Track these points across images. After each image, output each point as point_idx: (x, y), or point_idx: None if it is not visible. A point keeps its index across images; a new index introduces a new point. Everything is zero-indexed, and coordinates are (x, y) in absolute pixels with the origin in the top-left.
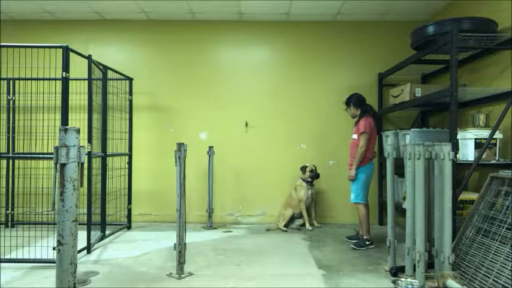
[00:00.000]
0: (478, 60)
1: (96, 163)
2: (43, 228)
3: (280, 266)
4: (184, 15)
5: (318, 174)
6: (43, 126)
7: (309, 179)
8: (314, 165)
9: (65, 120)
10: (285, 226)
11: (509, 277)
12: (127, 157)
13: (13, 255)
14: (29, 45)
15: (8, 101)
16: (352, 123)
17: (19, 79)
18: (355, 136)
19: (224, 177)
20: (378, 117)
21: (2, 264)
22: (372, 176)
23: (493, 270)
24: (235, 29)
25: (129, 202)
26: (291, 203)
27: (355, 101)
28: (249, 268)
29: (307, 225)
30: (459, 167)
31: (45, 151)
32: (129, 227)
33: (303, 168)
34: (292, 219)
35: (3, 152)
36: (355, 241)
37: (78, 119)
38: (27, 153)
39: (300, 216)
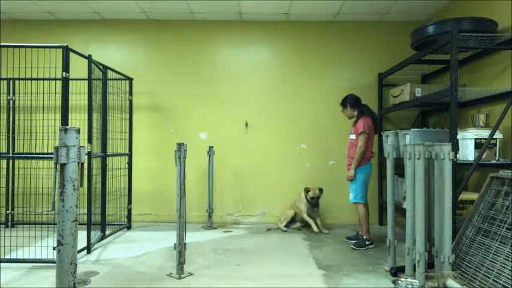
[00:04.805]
0: (478, 60)
1: (96, 163)
2: (43, 228)
3: (280, 266)
4: (184, 15)
5: (318, 203)
6: (43, 126)
7: (311, 204)
8: (320, 189)
9: (65, 120)
10: (285, 226)
11: (509, 277)
12: (127, 157)
13: (13, 255)
14: (29, 45)
15: (8, 101)
16: (351, 123)
17: (19, 79)
18: (353, 136)
19: (224, 177)
20: (376, 117)
21: (2, 264)
22: (370, 175)
23: (493, 270)
24: (235, 29)
25: (129, 202)
26: (295, 206)
27: (351, 101)
28: (249, 268)
29: (315, 229)
30: (459, 167)
31: (45, 151)
32: (129, 227)
33: (306, 191)
34: (293, 219)
35: (3, 152)
36: (355, 241)
37: (78, 119)
38: (27, 153)
39: (302, 220)
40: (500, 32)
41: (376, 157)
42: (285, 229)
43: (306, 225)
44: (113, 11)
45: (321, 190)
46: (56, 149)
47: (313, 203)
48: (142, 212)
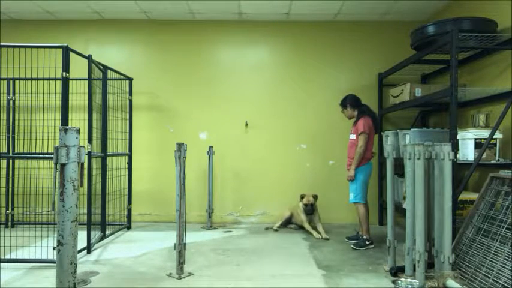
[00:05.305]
0: (478, 60)
1: (96, 163)
2: (43, 228)
3: (280, 266)
4: (184, 15)
5: (312, 209)
6: (43, 126)
7: (306, 212)
8: (314, 197)
9: (65, 120)
10: (282, 226)
11: (509, 277)
12: (127, 157)
13: (13, 255)
14: (29, 45)
15: (8, 101)
16: (351, 123)
17: (19, 79)
18: (353, 136)
19: (224, 177)
20: (376, 117)
21: (2, 264)
22: (370, 175)
23: (493, 270)
24: (235, 29)
25: (129, 202)
26: (296, 212)
27: (351, 101)
28: (249, 268)
29: (316, 236)
30: (459, 167)
31: (45, 151)
32: (129, 227)
33: (301, 198)
34: (289, 221)
35: (3, 152)
36: (355, 241)
37: (78, 119)
38: (27, 153)
39: (298, 225)
40: (500, 32)
41: (376, 157)
42: (277, 229)
43: (302, 227)
44: (112, 11)
45: (315, 197)
46: (56, 149)
47: (308, 210)
48: (143, 212)
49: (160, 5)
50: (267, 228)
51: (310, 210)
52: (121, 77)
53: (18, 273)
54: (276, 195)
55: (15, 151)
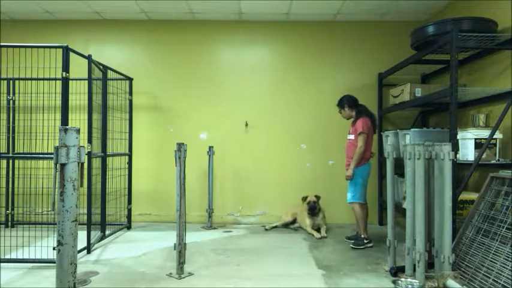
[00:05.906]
0: (478, 60)
1: (96, 163)
2: (43, 228)
3: (280, 266)
4: (184, 15)
5: (316, 207)
6: (43, 126)
7: (309, 210)
8: (317, 196)
9: (65, 120)
10: (283, 226)
11: (509, 277)
12: (127, 157)
13: (13, 255)
14: (29, 45)
15: (8, 101)
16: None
17: (19, 79)
18: (351, 136)
19: (224, 177)
20: (374, 117)
21: (2, 264)
22: (369, 175)
23: (493, 270)
24: (235, 29)
25: (129, 202)
26: (299, 217)
27: (349, 102)
28: (249, 268)
29: (316, 235)
30: (459, 167)
31: (45, 151)
32: (129, 227)
33: (304, 199)
34: (288, 225)
35: (3, 152)
36: (354, 241)
37: (78, 119)
38: (27, 153)
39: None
40: (500, 32)
41: (376, 157)
42: (267, 228)
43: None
44: (112, 11)
45: (317, 197)
46: (56, 149)
47: (311, 207)
48: (143, 212)
49: (160, 5)
50: (266, 229)
51: (314, 207)
52: (121, 77)
53: (18, 273)
54: (276, 195)
55: (15, 151)
